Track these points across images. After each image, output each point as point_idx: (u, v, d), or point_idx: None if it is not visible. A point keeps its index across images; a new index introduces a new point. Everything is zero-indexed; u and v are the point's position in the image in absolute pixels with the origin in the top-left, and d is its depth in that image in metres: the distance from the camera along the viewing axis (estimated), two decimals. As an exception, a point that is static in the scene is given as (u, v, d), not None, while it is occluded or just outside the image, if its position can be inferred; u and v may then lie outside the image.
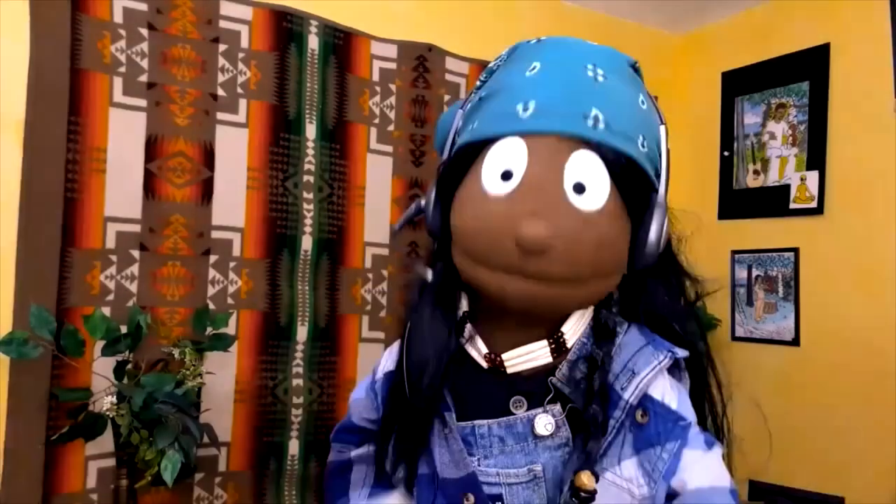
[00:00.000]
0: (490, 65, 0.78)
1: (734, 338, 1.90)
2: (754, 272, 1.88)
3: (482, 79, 0.78)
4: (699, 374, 0.79)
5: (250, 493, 1.46)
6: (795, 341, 1.78)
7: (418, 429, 0.77)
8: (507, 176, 0.68)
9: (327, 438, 1.54)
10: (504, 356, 0.75)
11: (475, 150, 0.72)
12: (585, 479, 0.66)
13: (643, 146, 0.70)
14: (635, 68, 0.76)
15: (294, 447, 1.50)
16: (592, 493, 0.66)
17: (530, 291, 0.68)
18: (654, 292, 0.76)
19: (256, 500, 1.47)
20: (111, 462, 1.27)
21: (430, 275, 0.78)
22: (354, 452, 0.92)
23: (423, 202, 0.79)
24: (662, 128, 0.75)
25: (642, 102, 0.73)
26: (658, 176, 0.73)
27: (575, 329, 0.75)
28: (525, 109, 0.68)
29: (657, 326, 0.77)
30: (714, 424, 0.81)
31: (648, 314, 0.77)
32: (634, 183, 0.69)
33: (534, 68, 0.70)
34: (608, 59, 0.72)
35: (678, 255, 0.81)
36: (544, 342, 0.74)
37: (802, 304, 1.77)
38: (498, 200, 0.68)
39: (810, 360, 1.75)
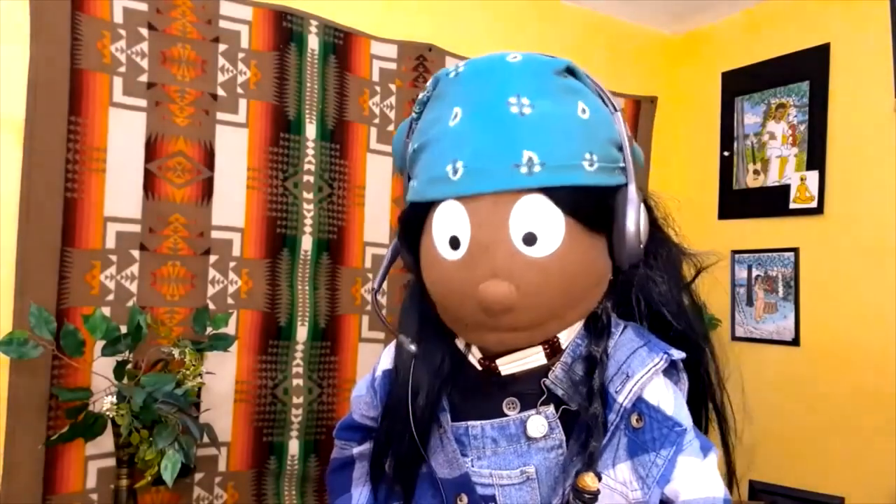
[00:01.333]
0: (420, 96, 0.75)
1: (734, 338, 1.90)
2: (754, 272, 1.88)
3: (415, 111, 0.75)
4: (698, 367, 0.78)
5: (250, 493, 1.46)
6: (795, 341, 1.78)
7: (414, 442, 0.78)
8: (454, 243, 0.67)
9: (327, 438, 1.55)
10: (498, 361, 0.75)
11: (423, 212, 0.71)
12: (588, 480, 0.66)
13: (592, 164, 0.66)
14: (570, 70, 0.71)
15: (294, 447, 1.50)
16: (595, 494, 0.66)
17: (509, 340, 0.70)
18: (646, 283, 0.75)
19: (256, 500, 1.47)
20: (111, 462, 1.27)
21: (413, 348, 0.77)
22: (356, 449, 0.93)
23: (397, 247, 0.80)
24: (617, 115, 0.72)
25: (583, 111, 0.68)
26: (624, 171, 0.71)
27: (569, 331, 0.75)
28: (455, 172, 0.65)
29: (654, 321, 0.77)
30: (718, 420, 0.80)
31: (645, 305, 0.76)
32: (592, 203, 0.67)
33: (455, 116, 0.67)
34: (532, 79, 0.67)
35: (667, 235, 0.79)
36: (538, 347, 0.74)
37: (802, 304, 1.77)
38: (453, 267, 0.68)
39: (810, 360, 1.75)
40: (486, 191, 0.65)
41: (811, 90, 1.77)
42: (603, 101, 0.72)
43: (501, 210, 0.65)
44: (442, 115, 0.69)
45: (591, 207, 0.67)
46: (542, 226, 0.65)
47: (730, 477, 0.78)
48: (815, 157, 1.75)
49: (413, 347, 0.77)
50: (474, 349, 0.77)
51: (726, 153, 1.98)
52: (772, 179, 1.86)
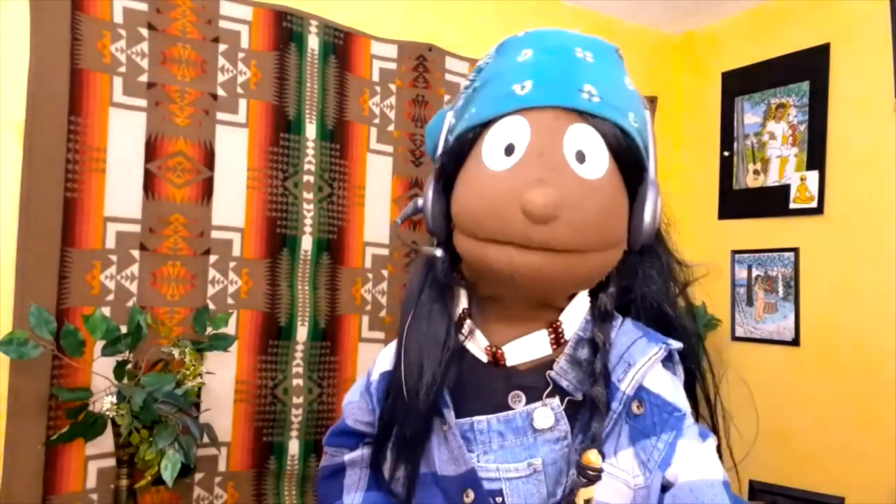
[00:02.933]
0: (479, 63, 0.79)
1: (734, 338, 1.90)
2: (754, 272, 1.88)
3: (472, 77, 0.79)
4: (692, 362, 0.79)
5: (250, 493, 1.46)
6: (795, 341, 1.78)
7: (418, 430, 0.77)
8: (509, 150, 0.69)
9: (327, 438, 1.54)
10: (504, 347, 0.75)
11: (473, 136, 0.73)
12: (592, 457, 0.67)
13: (634, 122, 0.72)
14: (619, 55, 0.78)
15: (294, 447, 1.50)
16: (599, 472, 0.67)
17: (538, 263, 0.68)
18: (647, 277, 0.77)
19: (256, 500, 1.47)
20: (111, 462, 1.27)
21: (439, 252, 0.77)
22: (348, 456, 0.92)
23: (420, 201, 0.79)
24: (647, 113, 0.77)
25: (629, 84, 0.75)
26: (648, 155, 0.74)
27: (572, 319, 0.75)
28: (522, 88, 0.70)
29: (650, 315, 0.77)
30: (710, 415, 0.81)
31: (642, 300, 0.77)
32: (629, 156, 0.71)
33: (525, 54, 0.72)
34: (594, 44, 0.74)
35: (668, 239, 0.81)
36: (544, 332, 0.74)
37: (802, 304, 1.77)
38: (502, 174, 0.69)
39: (810, 360, 1.75)
40: (550, 104, 0.69)
41: (811, 90, 1.77)
42: (640, 95, 0.78)
43: (561, 124, 0.69)
44: (510, 57, 0.74)
45: (629, 157, 0.71)
46: (592, 150, 0.69)
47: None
48: (815, 157, 1.75)
49: (439, 252, 0.77)
50: (479, 338, 0.77)
51: (726, 153, 1.98)
52: (772, 179, 1.86)
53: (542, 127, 0.69)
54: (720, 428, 0.81)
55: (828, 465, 1.68)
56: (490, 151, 0.71)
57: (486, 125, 0.72)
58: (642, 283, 0.77)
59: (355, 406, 0.89)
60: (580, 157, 0.68)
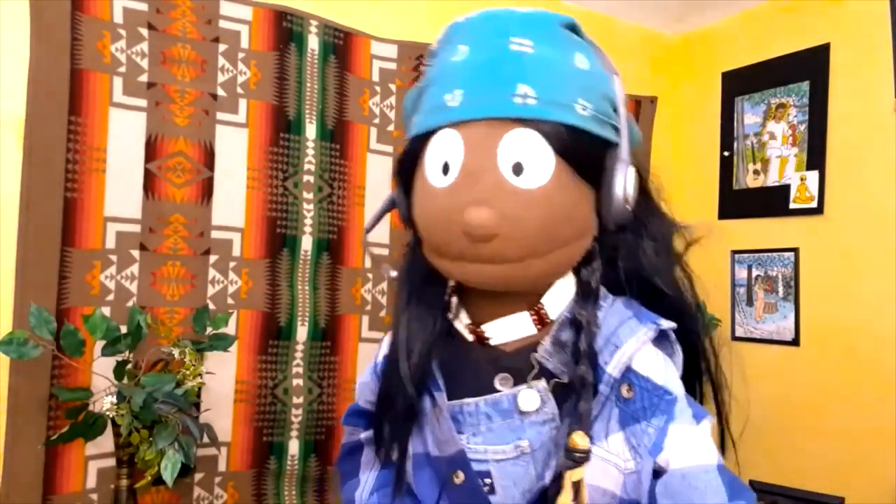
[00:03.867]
0: (431, 47, 0.78)
1: (734, 338, 1.90)
2: (754, 272, 1.88)
3: (427, 63, 0.79)
4: (690, 336, 0.78)
5: (250, 493, 1.46)
6: (795, 341, 1.78)
7: (407, 409, 0.78)
8: (445, 169, 0.69)
9: (327, 438, 1.55)
10: (485, 326, 0.76)
11: (419, 146, 0.73)
12: (578, 439, 0.67)
13: (584, 109, 0.68)
14: (572, 27, 0.73)
15: (294, 447, 1.50)
16: (587, 453, 0.66)
17: (491, 274, 0.69)
18: (634, 250, 0.75)
19: (256, 500, 1.47)
20: (111, 462, 1.27)
21: (394, 274, 0.79)
22: (364, 435, 0.94)
23: (394, 195, 0.81)
24: (615, 77, 0.73)
25: (580, 62, 0.70)
26: (617, 131, 0.71)
27: (557, 300, 0.75)
28: (453, 99, 0.68)
29: (644, 291, 0.76)
30: (713, 388, 0.80)
31: (630, 274, 0.76)
32: (579, 150, 0.68)
33: (460, 52, 0.71)
34: (536, 26, 0.70)
35: (658, 205, 0.79)
36: (525, 313, 0.75)
37: (802, 304, 1.77)
38: (442, 193, 0.69)
39: (810, 360, 1.75)
40: (480, 116, 0.67)
41: (811, 90, 1.77)
42: (602, 63, 0.74)
43: (493, 137, 0.66)
44: (449, 53, 0.72)
45: (580, 151, 0.68)
46: (530, 158, 0.66)
47: (723, 444, 0.78)
48: (815, 157, 1.75)
49: (393, 273, 0.79)
50: (463, 316, 0.78)
51: (726, 153, 1.98)
52: (772, 179, 1.86)
53: (474, 143, 0.67)
54: (724, 404, 0.80)
55: (828, 465, 1.68)
56: (430, 168, 0.70)
57: (426, 137, 0.71)
58: (627, 258, 0.76)
59: (367, 387, 0.91)
60: (517, 170, 0.66)
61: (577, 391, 0.69)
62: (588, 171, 0.69)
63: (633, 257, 0.76)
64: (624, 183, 0.69)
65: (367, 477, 0.91)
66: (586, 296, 0.74)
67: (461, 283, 0.78)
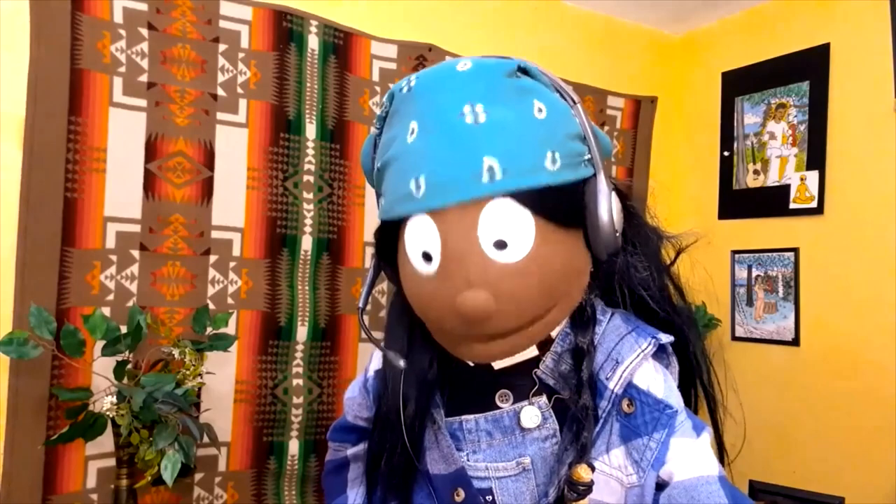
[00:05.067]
0: (378, 112, 0.75)
1: (734, 338, 1.90)
2: (754, 272, 1.88)
3: (376, 126, 0.76)
4: (685, 349, 0.78)
5: (250, 493, 1.46)
6: (795, 341, 1.78)
7: (404, 467, 0.77)
8: (427, 257, 0.67)
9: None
10: None
11: (396, 224, 0.71)
12: (582, 472, 0.67)
13: (554, 162, 0.66)
14: (523, 69, 0.70)
15: (294, 447, 1.50)
16: (590, 486, 0.67)
17: (499, 350, 0.70)
18: (627, 270, 0.75)
19: (256, 500, 1.47)
20: (111, 462, 1.27)
21: (402, 364, 0.76)
22: (351, 451, 0.93)
23: (371, 276, 0.81)
24: (577, 108, 0.70)
25: (539, 111, 0.67)
26: (591, 162, 0.70)
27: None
28: (418, 188, 0.65)
29: (639, 307, 0.77)
30: (707, 399, 0.80)
31: (629, 293, 0.76)
32: (561, 202, 0.67)
33: (412, 131, 0.67)
34: (484, 85, 0.67)
35: (644, 220, 0.79)
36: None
37: (802, 304, 1.77)
38: (429, 281, 0.68)
39: (810, 360, 1.75)
40: (451, 202, 0.65)
41: (811, 90, 1.77)
42: (561, 95, 0.71)
43: (469, 219, 0.65)
44: (399, 132, 0.69)
45: (559, 205, 0.67)
46: (511, 230, 0.65)
47: (721, 455, 0.79)
48: (815, 157, 1.75)
49: (402, 363, 0.76)
50: None
51: (726, 153, 1.98)
52: (772, 179, 1.86)
53: (450, 228, 0.65)
54: (718, 415, 0.80)
55: (828, 465, 1.68)
56: (412, 256, 0.69)
57: (400, 222, 0.70)
58: (622, 279, 0.75)
59: (355, 402, 0.90)
60: (500, 246, 0.65)
61: (579, 421, 0.69)
62: (570, 217, 0.69)
63: (626, 276, 0.75)
64: (609, 211, 0.68)
65: (356, 493, 0.90)
66: (584, 323, 0.74)
67: None
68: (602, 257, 0.71)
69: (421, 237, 0.67)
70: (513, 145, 0.65)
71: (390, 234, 0.72)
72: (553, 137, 0.67)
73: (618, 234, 0.70)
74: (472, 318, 0.65)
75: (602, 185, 0.68)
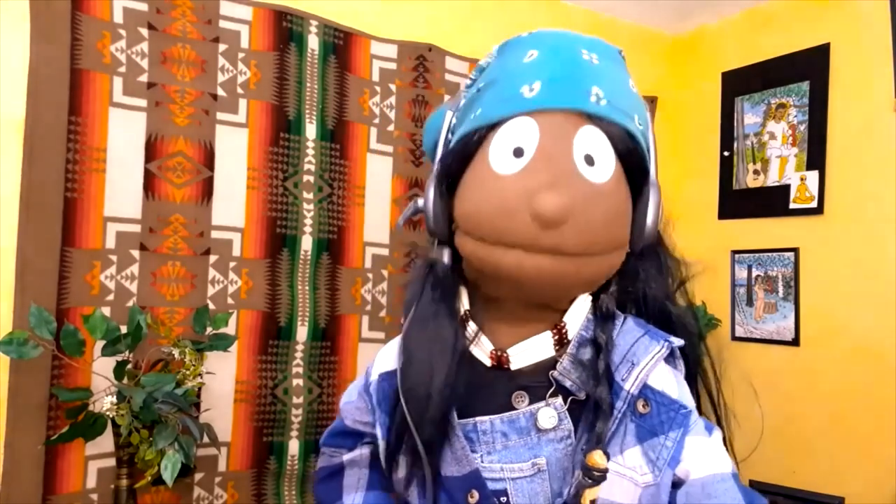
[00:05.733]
0: (480, 62, 0.79)
1: (734, 338, 1.90)
2: (754, 272, 1.88)
3: (473, 77, 0.79)
4: (694, 359, 0.79)
5: (250, 493, 1.46)
6: (795, 341, 1.78)
7: (434, 435, 0.76)
8: (518, 153, 0.69)
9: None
10: (510, 350, 0.75)
11: (479, 138, 0.72)
12: (597, 458, 0.67)
13: (639, 124, 0.73)
14: (622, 57, 0.78)
15: (294, 447, 1.50)
16: (604, 472, 0.67)
17: (547, 266, 0.68)
18: (648, 277, 0.77)
19: (256, 500, 1.47)
20: (111, 462, 1.27)
21: (445, 256, 0.76)
22: (347, 456, 0.92)
23: (420, 202, 0.78)
24: (648, 115, 0.77)
25: (632, 87, 0.75)
26: (650, 157, 0.75)
27: (575, 320, 0.76)
28: (531, 90, 0.70)
29: (652, 314, 0.78)
30: (713, 411, 0.81)
31: (644, 299, 0.78)
32: (634, 160, 0.72)
33: (531, 55, 0.72)
34: (600, 46, 0.74)
35: (667, 239, 0.81)
36: (548, 333, 0.74)
37: (802, 304, 1.77)
38: (510, 178, 0.69)
39: (810, 360, 1.75)
40: (559, 107, 0.69)
41: (811, 90, 1.77)
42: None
43: (570, 127, 0.69)
44: (515, 57, 0.73)
45: (634, 159, 0.72)
46: (600, 153, 0.69)
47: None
48: (815, 157, 1.75)
49: (446, 258, 0.77)
50: (483, 342, 0.76)
51: (726, 153, 1.98)
52: (772, 179, 1.86)
53: (551, 130, 0.68)
54: (723, 424, 0.81)
55: (828, 465, 1.68)
56: (498, 154, 0.70)
57: (493, 127, 0.71)
58: (644, 283, 0.77)
59: (353, 406, 0.89)
60: (589, 161, 0.68)
61: (595, 411, 0.70)
62: (635, 180, 0.73)
63: (648, 283, 0.77)
64: (657, 207, 0.72)
65: (354, 499, 0.89)
66: (605, 318, 0.75)
67: (477, 306, 0.77)
68: (637, 247, 0.74)
69: (518, 134, 0.70)
70: (616, 90, 0.71)
71: (463, 152, 0.73)
72: (639, 108, 0.74)
73: (657, 230, 0.73)
74: (548, 218, 0.65)
75: (655, 180, 0.74)
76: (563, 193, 0.65)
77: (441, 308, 0.77)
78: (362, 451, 0.91)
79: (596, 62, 0.71)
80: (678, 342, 0.74)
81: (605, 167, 0.69)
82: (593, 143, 0.69)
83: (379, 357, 0.87)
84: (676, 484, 0.70)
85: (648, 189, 0.72)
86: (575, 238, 0.67)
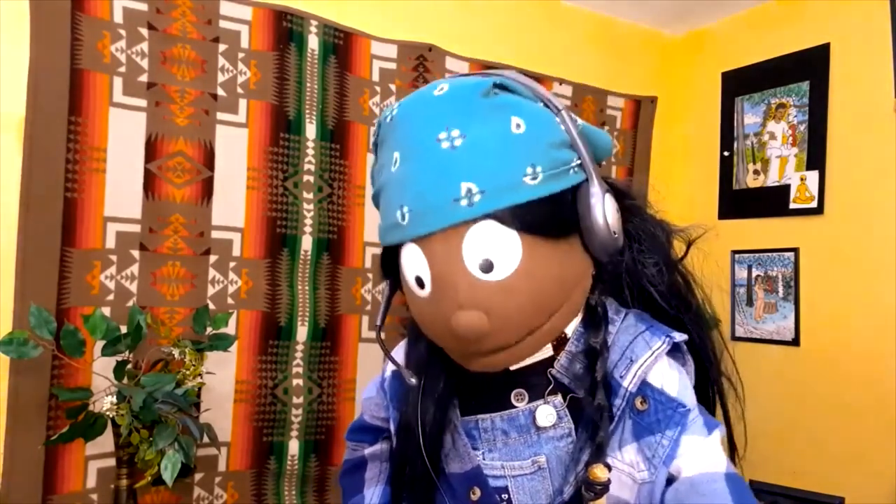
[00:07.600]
0: (378, 119, 0.77)
1: (734, 338, 1.90)
2: (754, 272, 1.88)
3: (372, 153, 0.79)
4: (698, 345, 0.78)
5: (250, 493, 1.46)
6: (795, 341, 1.78)
7: (424, 487, 0.79)
8: (420, 283, 0.69)
9: (327, 438, 1.55)
10: None
11: (395, 250, 0.73)
12: (599, 471, 0.67)
13: (535, 177, 0.65)
14: (500, 86, 0.69)
15: (294, 447, 1.50)
16: (606, 485, 0.67)
17: (503, 360, 0.71)
18: (634, 267, 0.75)
19: (256, 500, 1.47)
20: (111, 462, 1.27)
21: (413, 381, 0.78)
22: (368, 450, 0.94)
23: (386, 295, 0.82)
24: (561, 114, 0.70)
25: (517, 126, 0.67)
26: (581, 167, 0.70)
27: (573, 322, 0.75)
28: (403, 217, 0.67)
29: (650, 305, 0.77)
30: (718, 396, 0.81)
31: (638, 290, 0.77)
32: (545, 214, 0.67)
33: (395, 161, 0.69)
34: (459, 107, 0.67)
35: (648, 216, 0.78)
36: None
37: (802, 304, 1.77)
38: (425, 303, 0.70)
39: (810, 360, 1.75)
40: (433, 230, 0.66)
41: (811, 90, 1.77)
42: (545, 104, 0.71)
43: (453, 244, 0.66)
44: (386, 162, 0.71)
45: (545, 218, 0.67)
46: (496, 250, 0.65)
47: (731, 452, 0.79)
48: (815, 157, 1.75)
49: (413, 381, 0.78)
50: None
51: (726, 153, 1.98)
52: (772, 179, 1.86)
53: (436, 255, 0.67)
54: (729, 412, 0.81)
55: (828, 465, 1.68)
56: (408, 280, 0.71)
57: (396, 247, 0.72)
58: (630, 278, 0.76)
59: (372, 402, 0.91)
60: (487, 268, 0.65)
61: (595, 421, 0.70)
62: (559, 228, 0.68)
63: (634, 274, 0.75)
64: (603, 214, 0.68)
65: (373, 493, 0.90)
66: (596, 323, 0.74)
67: None
68: (604, 259, 0.72)
69: (412, 264, 0.69)
70: (490, 166, 0.65)
71: (392, 256, 0.74)
72: (533, 150, 0.67)
73: (616, 235, 0.70)
74: (466, 338, 0.66)
75: (594, 188, 0.68)
76: (471, 313, 0.65)
77: (433, 346, 0.79)
78: (382, 446, 0.93)
79: (458, 143, 0.65)
80: (681, 337, 0.73)
81: (507, 259, 0.65)
82: (484, 246, 0.65)
83: (395, 353, 0.88)
84: (670, 481, 0.70)
85: (588, 202, 0.68)
86: (506, 336, 0.68)
